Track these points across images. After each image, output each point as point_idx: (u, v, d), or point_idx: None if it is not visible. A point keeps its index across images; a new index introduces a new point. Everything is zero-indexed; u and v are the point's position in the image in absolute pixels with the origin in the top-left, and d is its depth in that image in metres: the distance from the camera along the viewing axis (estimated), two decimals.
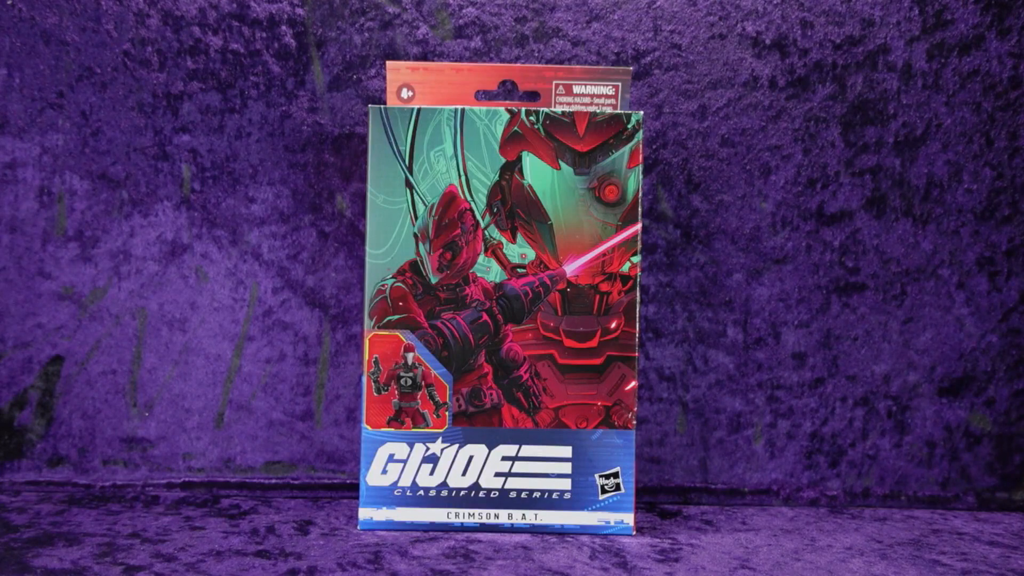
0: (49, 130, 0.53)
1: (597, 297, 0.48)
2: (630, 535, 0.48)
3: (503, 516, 0.48)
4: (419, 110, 0.47)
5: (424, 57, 0.53)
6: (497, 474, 0.47)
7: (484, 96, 0.52)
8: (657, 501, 0.55)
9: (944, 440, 0.55)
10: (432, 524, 0.48)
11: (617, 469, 0.48)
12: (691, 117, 0.54)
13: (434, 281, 0.47)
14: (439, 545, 0.45)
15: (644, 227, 0.54)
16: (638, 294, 0.48)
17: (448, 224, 0.47)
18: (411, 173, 0.47)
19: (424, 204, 0.47)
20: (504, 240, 0.48)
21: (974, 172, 0.55)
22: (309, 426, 0.54)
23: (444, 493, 0.48)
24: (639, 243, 0.48)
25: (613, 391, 0.48)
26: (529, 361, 0.48)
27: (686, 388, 0.55)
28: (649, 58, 0.54)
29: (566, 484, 0.48)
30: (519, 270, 0.48)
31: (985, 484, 0.55)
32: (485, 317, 0.48)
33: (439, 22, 0.54)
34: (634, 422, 0.48)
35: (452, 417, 0.47)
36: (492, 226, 0.48)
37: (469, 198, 0.47)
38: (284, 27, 0.53)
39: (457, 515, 0.48)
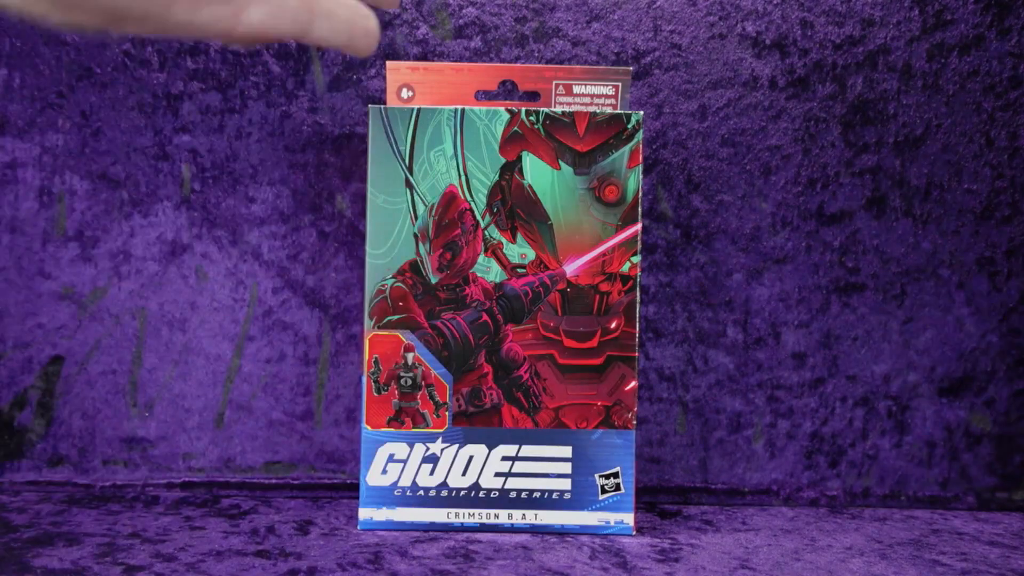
0: (49, 130, 0.53)
1: (597, 297, 0.48)
2: (630, 535, 0.48)
3: (503, 516, 0.48)
4: (419, 110, 0.47)
5: (424, 57, 0.53)
6: (497, 474, 0.47)
7: (484, 96, 0.52)
8: (657, 501, 0.55)
9: (944, 440, 0.55)
10: (432, 524, 0.48)
11: (617, 469, 0.48)
12: (691, 117, 0.54)
13: (434, 281, 0.47)
14: (439, 545, 0.45)
15: (644, 227, 0.54)
16: (638, 294, 0.48)
17: (448, 224, 0.47)
18: (411, 173, 0.47)
19: (424, 204, 0.47)
20: (504, 240, 0.48)
21: (974, 172, 0.55)
22: (309, 426, 0.54)
23: (444, 493, 0.48)
24: (639, 243, 0.48)
25: (613, 391, 0.48)
26: (529, 361, 0.48)
27: (686, 388, 0.55)
28: (649, 58, 0.54)
29: (566, 484, 0.48)
30: (519, 270, 0.48)
31: (985, 484, 0.55)
32: (485, 317, 0.48)
33: (439, 22, 0.54)
34: (634, 422, 0.48)
35: (452, 417, 0.47)
36: (492, 226, 0.48)
37: (469, 198, 0.47)
38: None
39: (457, 515, 0.48)
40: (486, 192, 0.48)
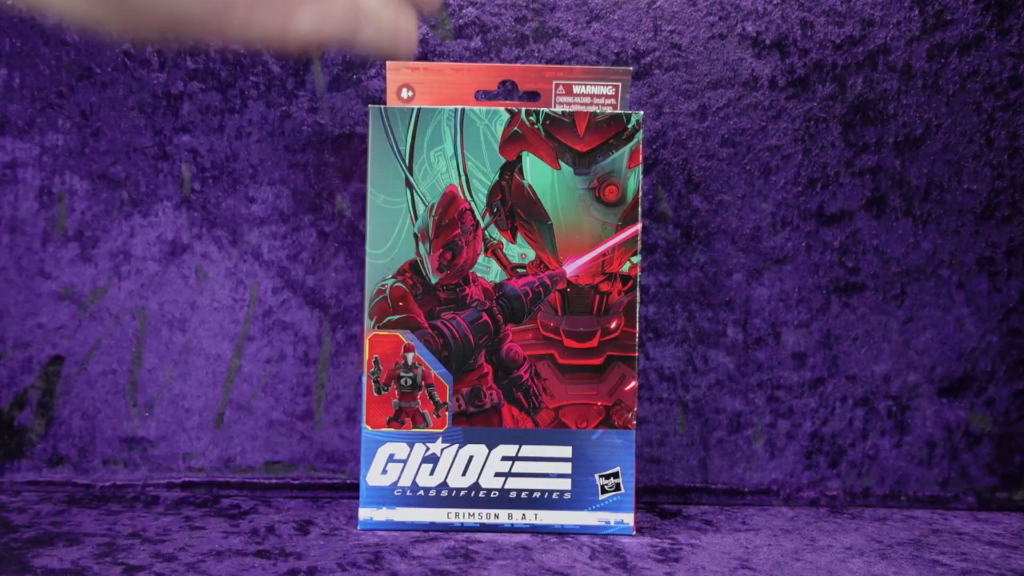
0: (49, 130, 0.53)
1: (597, 297, 0.48)
2: (630, 535, 0.48)
3: (503, 516, 0.48)
4: (419, 110, 0.47)
5: (424, 57, 0.53)
6: (497, 474, 0.47)
7: (484, 96, 0.52)
8: (657, 501, 0.55)
9: (944, 440, 0.55)
10: (432, 524, 0.48)
11: (617, 469, 0.48)
12: (691, 117, 0.54)
13: (434, 281, 0.47)
14: (439, 545, 0.45)
15: (644, 227, 0.54)
16: (638, 294, 0.48)
17: (448, 224, 0.47)
18: (411, 173, 0.47)
19: (424, 204, 0.47)
20: (504, 240, 0.48)
21: (974, 172, 0.55)
22: (309, 426, 0.54)
23: (444, 493, 0.48)
24: (639, 243, 0.48)
25: (613, 391, 0.48)
26: (529, 361, 0.48)
27: (686, 388, 0.55)
28: (649, 58, 0.54)
29: (566, 484, 0.48)
30: (519, 270, 0.48)
31: (985, 484, 0.55)
32: (485, 317, 0.48)
33: (439, 22, 0.54)
34: (634, 422, 0.48)
35: (452, 417, 0.47)
36: (492, 226, 0.48)
37: (469, 198, 0.47)
38: None
39: (457, 515, 0.48)
40: (486, 192, 0.48)
